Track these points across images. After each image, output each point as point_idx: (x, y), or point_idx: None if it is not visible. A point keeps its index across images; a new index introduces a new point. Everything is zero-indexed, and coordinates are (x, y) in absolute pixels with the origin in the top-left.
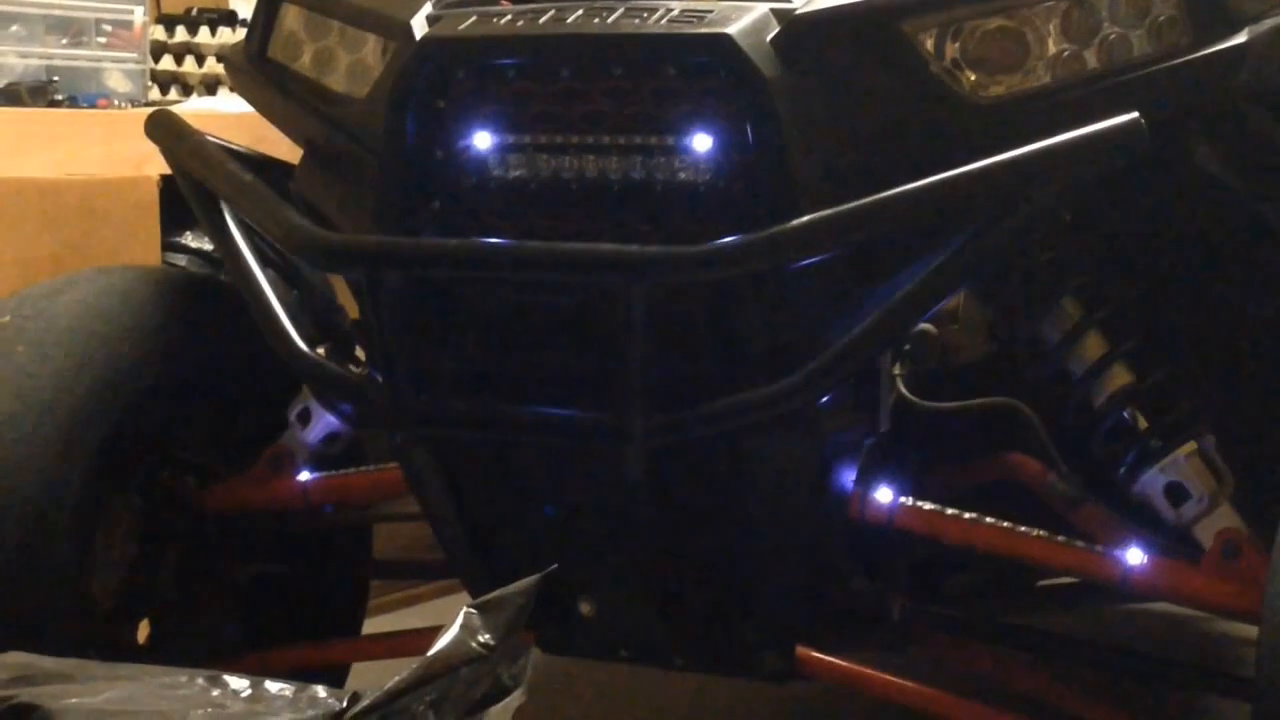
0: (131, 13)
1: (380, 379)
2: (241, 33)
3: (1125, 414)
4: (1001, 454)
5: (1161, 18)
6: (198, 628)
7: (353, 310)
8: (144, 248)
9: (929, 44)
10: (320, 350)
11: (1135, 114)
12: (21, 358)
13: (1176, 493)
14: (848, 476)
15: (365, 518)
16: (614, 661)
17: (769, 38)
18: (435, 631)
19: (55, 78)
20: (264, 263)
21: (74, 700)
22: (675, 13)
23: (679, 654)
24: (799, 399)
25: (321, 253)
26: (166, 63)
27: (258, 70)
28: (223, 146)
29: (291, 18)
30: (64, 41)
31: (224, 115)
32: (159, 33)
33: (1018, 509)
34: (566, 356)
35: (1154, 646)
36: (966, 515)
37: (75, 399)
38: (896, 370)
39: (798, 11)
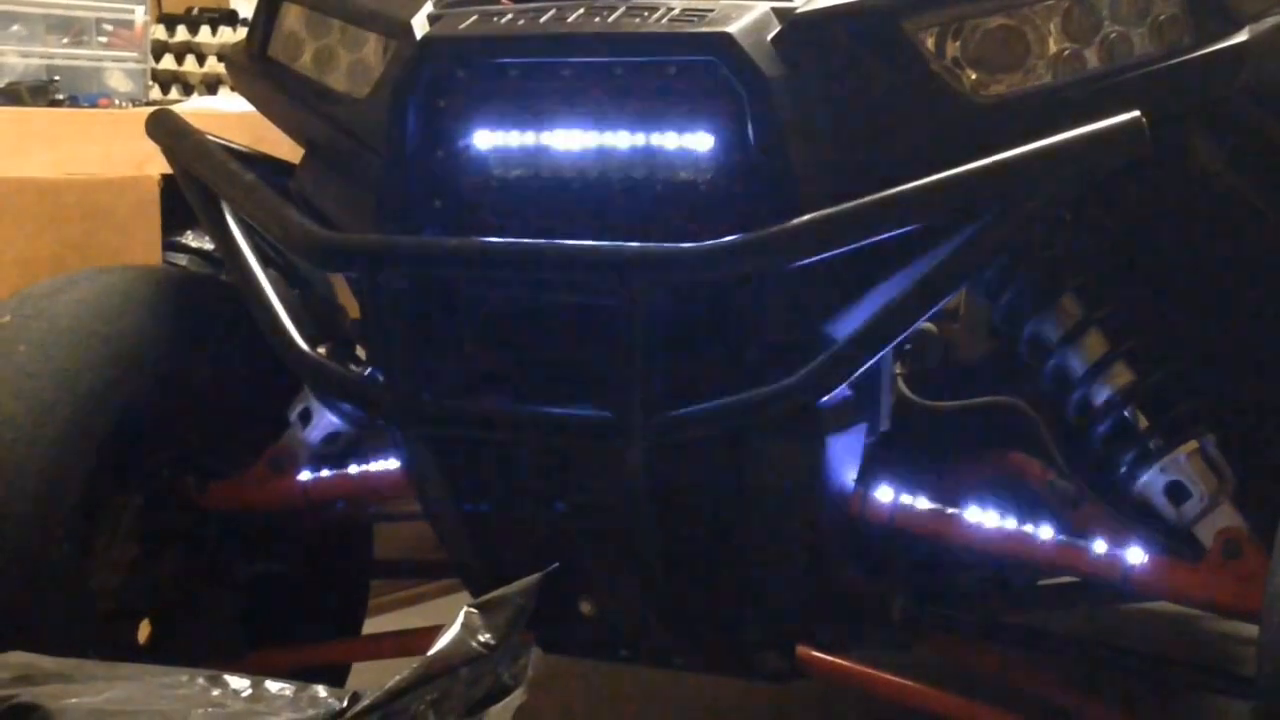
0: (132, 12)
1: (381, 378)
2: (242, 32)
3: (1126, 413)
4: (1002, 453)
5: (1162, 17)
6: (198, 628)
7: (353, 310)
8: (145, 247)
9: (930, 43)
10: (321, 350)
11: (1136, 113)
12: (22, 357)
13: (1177, 492)
14: (848, 476)
15: (365, 518)
16: (614, 661)
17: (769, 37)
18: (436, 631)
19: (56, 77)
20: (265, 262)
21: (74, 700)
22: (676, 12)
23: (679, 654)
24: (799, 399)
25: (322, 252)
26: (167, 62)
27: (258, 69)
28: (223, 146)
29: (292, 17)
30: (65, 41)
31: (225, 114)
32: (160, 32)
33: (1018, 508)
34: (567, 355)
35: (1154, 646)
36: (966, 515)
37: (76, 399)
38: (897, 369)
39: (798, 11)
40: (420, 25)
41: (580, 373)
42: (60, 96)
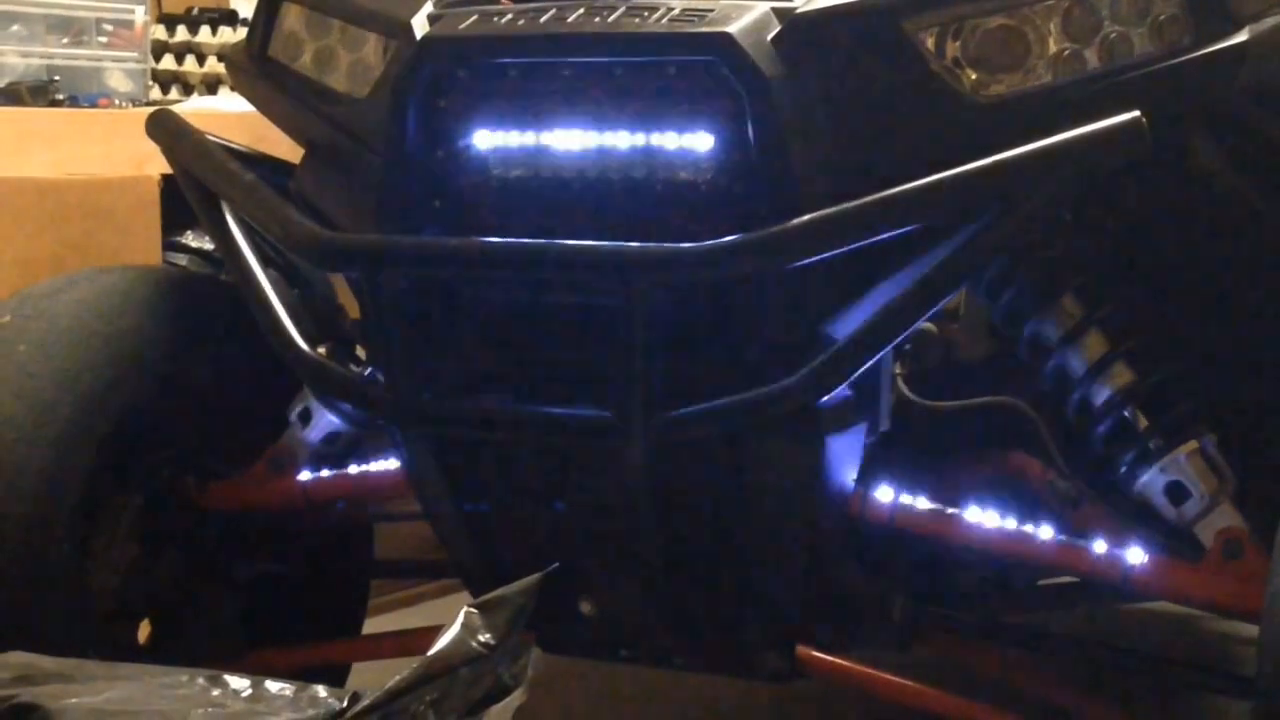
0: (132, 12)
1: (381, 378)
2: (242, 32)
3: (1126, 413)
4: (1002, 453)
5: (1162, 16)
6: (198, 628)
7: (353, 310)
8: (144, 247)
9: (930, 43)
10: (321, 350)
11: (1136, 113)
12: (22, 357)
13: (1177, 492)
14: (848, 476)
15: (365, 518)
16: (614, 661)
17: (769, 37)
18: (436, 631)
19: (56, 77)
20: (265, 262)
21: (74, 700)
22: (676, 12)
23: (679, 654)
24: (799, 399)
25: (322, 252)
26: (167, 62)
27: (258, 69)
28: (223, 146)
29: (292, 17)
30: (65, 41)
31: (225, 114)
32: (160, 32)
33: (1018, 508)
34: (567, 355)
35: (1154, 646)
36: (966, 515)
37: (76, 398)
38: (897, 369)
39: (798, 10)
40: (420, 25)
41: (580, 373)
42: (60, 96)
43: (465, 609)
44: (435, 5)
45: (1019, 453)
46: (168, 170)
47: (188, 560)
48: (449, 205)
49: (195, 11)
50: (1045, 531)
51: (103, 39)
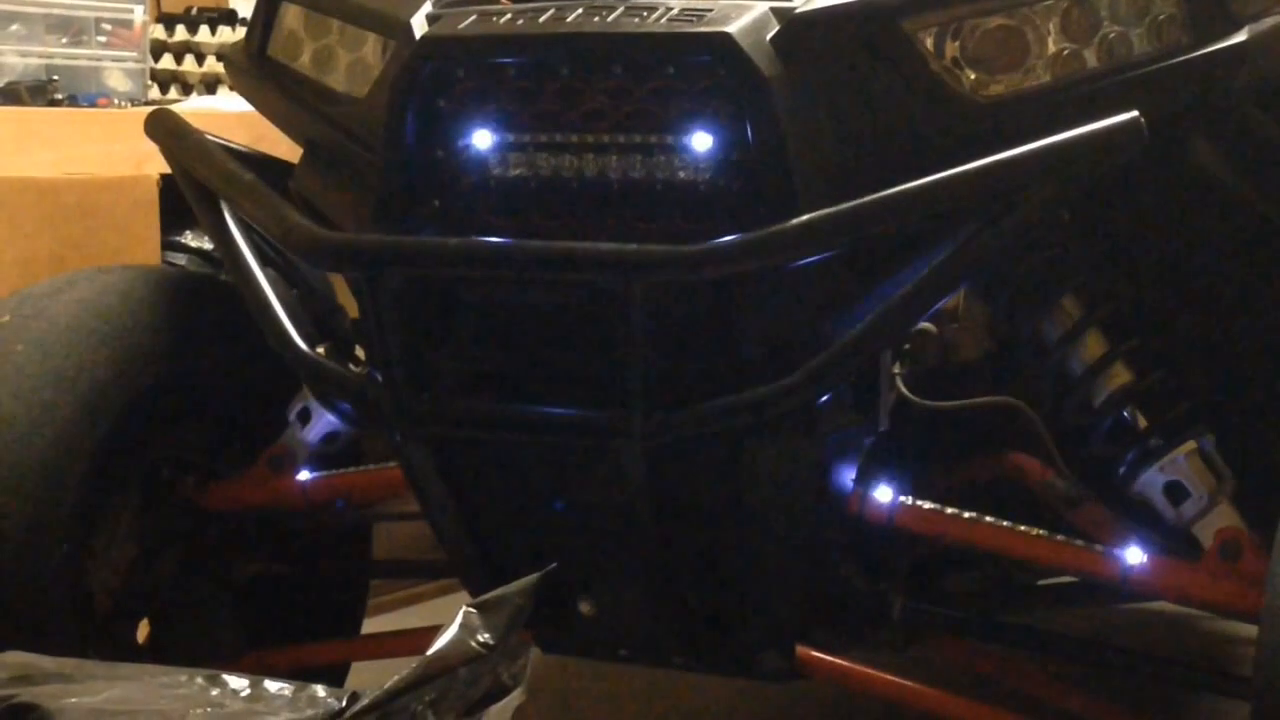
0: (131, 12)
1: (380, 378)
2: (241, 31)
3: (1125, 413)
4: (1001, 453)
5: (1161, 16)
6: (197, 627)
7: (353, 310)
8: (144, 247)
9: (929, 43)
10: (320, 350)
11: (1135, 113)
12: (21, 357)
13: (1176, 492)
14: (847, 476)
15: (365, 517)
16: (614, 661)
17: (769, 36)
18: (434, 631)
19: (55, 77)
20: (264, 262)
21: (73, 700)
22: (675, 12)
23: (679, 654)
24: (798, 398)
25: (321, 252)
26: (166, 62)
27: (257, 69)
28: (222, 145)
29: (291, 17)
30: (64, 40)
31: (224, 114)
32: (159, 32)
33: (1018, 508)
34: (566, 356)
35: (1154, 646)
36: (966, 515)
37: (75, 398)
38: (896, 369)
39: (797, 10)
40: (419, 25)
41: (579, 373)
42: (59, 96)
43: (464, 609)
44: (434, 5)
45: (1018, 453)
46: (167, 170)
47: (187, 560)
48: (448, 205)
49: (194, 11)
50: (1044, 531)
51: (102, 38)
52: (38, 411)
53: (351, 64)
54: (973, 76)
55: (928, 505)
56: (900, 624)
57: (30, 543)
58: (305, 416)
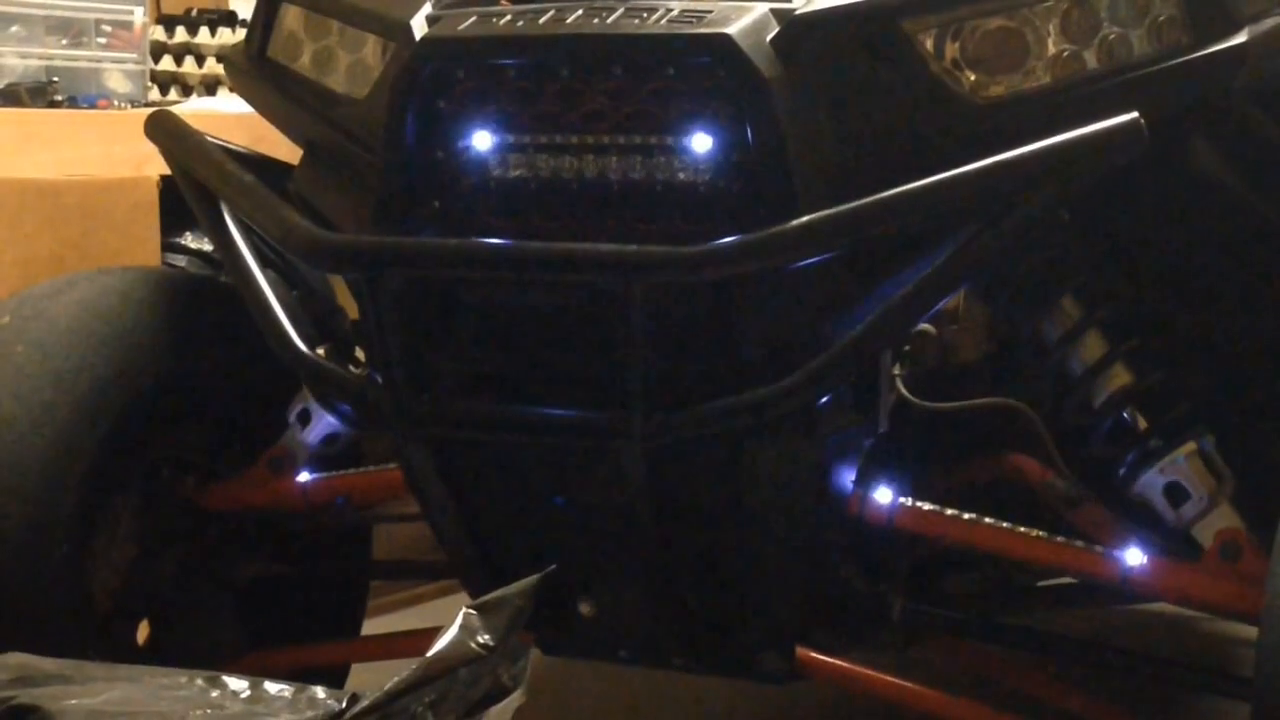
0: (131, 13)
1: (380, 379)
2: (241, 33)
3: (1125, 414)
4: (1001, 454)
5: (1161, 17)
6: (197, 628)
7: (352, 311)
8: (144, 248)
9: (929, 44)
10: (320, 351)
11: (1135, 114)
12: (21, 358)
13: (1176, 493)
14: (847, 477)
15: (365, 518)
16: (614, 662)
17: (769, 38)
18: (434, 632)
19: (55, 78)
20: (263, 263)
21: (73, 701)
22: (675, 13)
23: (678, 654)
24: (798, 399)
25: (321, 253)
26: (166, 63)
27: (257, 70)
28: (222, 147)
29: (291, 18)
30: (64, 42)
31: (224, 115)
32: (159, 33)
33: (1017, 509)
34: (566, 356)
35: (1154, 646)
36: (966, 515)
37: (75, 399)
38: (896, 370)
39: (797, 11)
40: (419, 26)
41: (579, 374)
42: (59, 97)
43: (464, 610)
44: (434, 6)
45: (1018, 454)
46: (167, 171)
47: (187, 561)
48: (448, 206)
49: (194, 13)
50: (1044, 533)
51: (102, 40)
52: (38, 412)
53: (351, 65)
54: (973, 77)
55: (927, 506)
56: (900, 625)
57: (30, 543)
58: (305, 418)
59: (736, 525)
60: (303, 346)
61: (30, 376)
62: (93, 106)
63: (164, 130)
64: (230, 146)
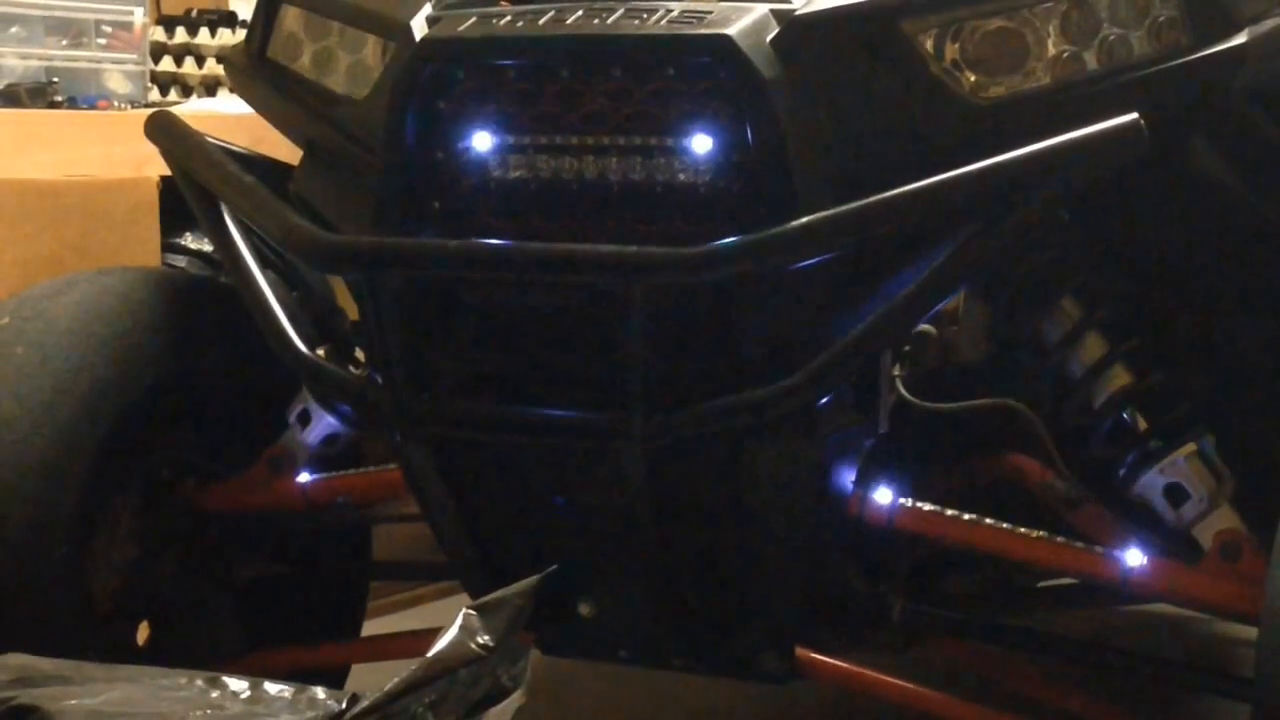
0: (131, 14)
1: (380, 380)
2: (241, 34)
3: (1125, 415)
4: (1001, 454)
5: (1161, 18)
6: (197, 629)
7: (352, 311)
8: (144, 249)
9: (929, 44)
10: (320, 351)
11: (1135, 115)
12: (21, 359)
13: (1176, 494)
14: (847, 477)
15: (365, 518)
16: (614, 663)
17: (769, 38)
18: (434, 633)
19: (55, 79)
20: (263, 264)
21: (73, 702)
22: (675, 13)
23: (678, 655)
24: (799, 399)
25: (321, 254)
26: (166, 64)
27: (257, 71)
28: (222, 148)
29: (291, 18)
30: (64, 43)
31: (224, 116)
32: (159, 34)
33: (1017, 510)
34: (566, 357)
35: (1154, 646)
36: (966, 516)
37: (75, 400)
38: (896, 371)
39: (797, 12)
40: (419, 27)
41: (579, 374)
42: (59, 98)
43: (464, 611)
44: (434, 7)
45: (1018, 454)
46: (167, 172)
47: (187, 562)
48: (448, 207)
49: (194, 13)
50: (1044, 533)
51: (102, 41)
52: (38, 413)
53: (351, 66)
54: (973, 78)
55: (927, 507)
56: (900, 625)
57: (30, 543)
58: (305, 418)
59: (736, 525)
60: (303, 347)
61: (30, 377)
62: (93, 107)
63: (164, 131)
64: (230, 147)
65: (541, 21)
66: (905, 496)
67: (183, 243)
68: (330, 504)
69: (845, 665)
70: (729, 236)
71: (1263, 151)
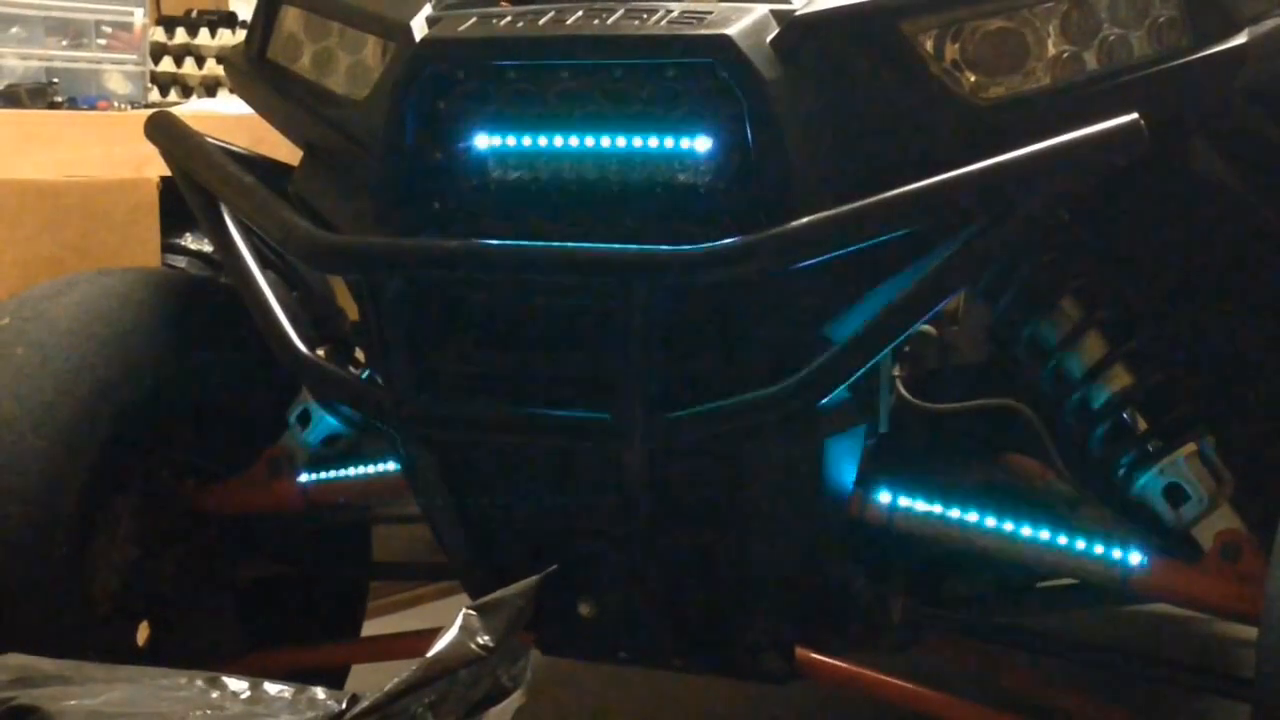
0: (131, 14)
1: (380, 380)
2: (241, 34)
3: (1124, 415)
4: (1001, 454)
5: (1161, 19)
6: (197, 629)
7: (352, 312)
8: (144, 249)
9: (929, 45)
10: (320, 352)
11: (1135, 115)
12: (21, 360)
13: (1176, 494)
14: (847, 478)
15: (365, 518)
16: (614, 662)
17: (769, 39)
18: (435, 633)
19: (55, 79)
20: (263, 264)
21: (73, 702)
22: (675, 14)
23: (678, 655)
24: (799, 400)
25: (321, 254)
26: (166, 64)
27: (257, 72)
28: (222, 148)
29: (291, 19)
30: (64, 43)
31: (223, 117)
32: (159, 34)
33: (1018, 509)
34: (566, 357)
35: (1154, 646)
36: (966, 516)
37: (75, 401)
38: (896, 371)
39: (797, 13)
40: (419, 27)
41: (579, 375)
42: (59, 99)
43: (464, 611)
44: (434, 7)
45: (1018, 455)
46: (167, 172)
47: (187, 562)
48: (448, 207)
49: (194, 14)
50: (1044, 534)
51: (102, 41)
52: (38, 413)
53: (351, 66)
54: (972, 79)
55: (927, 507)
56: (900, 626)
57: (30, 544)
58: (305, 419)
59: (736, 525)
60: (303, 347)
61: (30, 377)
62: (92, 108)
63: (164, 131)
64: (230, 148)
65: (541, 22)
66: (905, 497)
67: (183, 243)
68: (330, 504)
69: (845, 665)
70: (729, 236)
71: (1263, 151)
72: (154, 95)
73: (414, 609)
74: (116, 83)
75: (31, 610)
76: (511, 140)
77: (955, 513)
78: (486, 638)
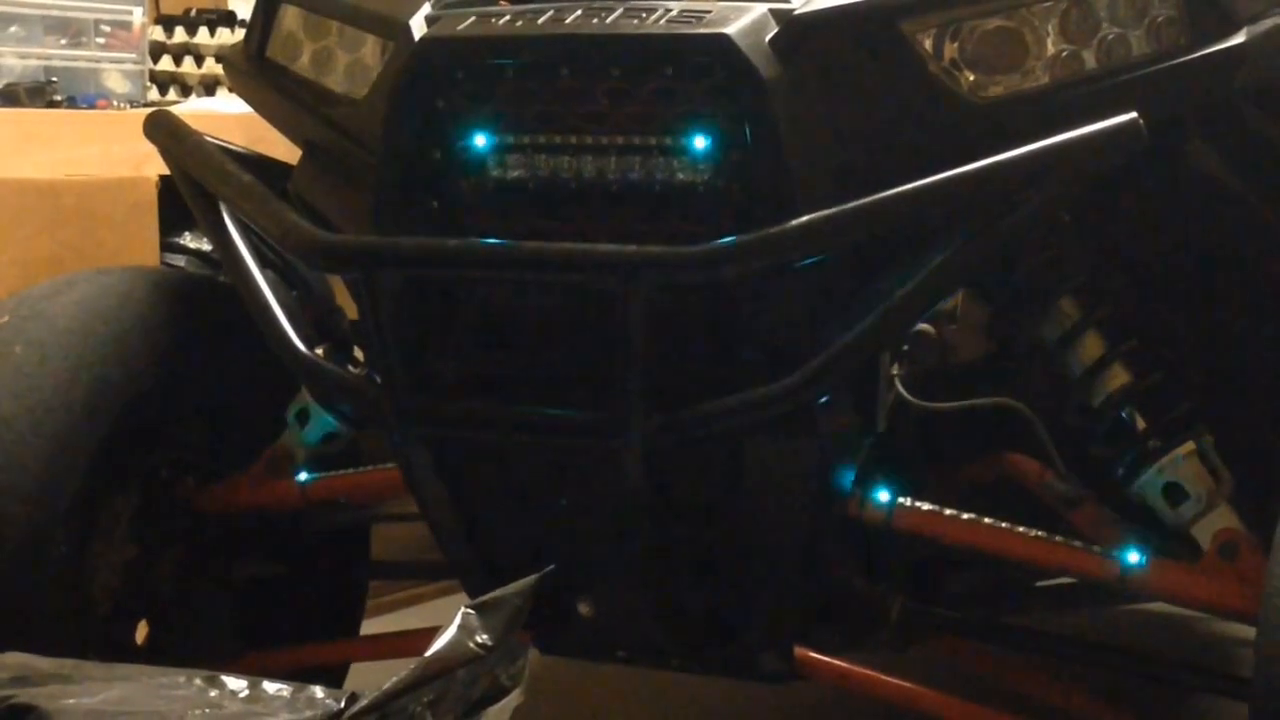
0: (130, 13)
1: (379, 379)
2: (240, 33)
3: (1124, 414)
4: (1000, 454)
5: (1160, 18)
6: (196, 628)
7: (351, 311)
8: (143, 248)
9: (927, 44)
10: (319, 351)
11: (1134, 114)
12: (20, 358)
13: (1175, 493)
14: (846, 477)
15: (364, 518)
16: (613, 662)
17: (768, 38)
18: (433, 632)
19: (54, 78)
20: (262, 263)
21: (71, 701)
22: (674, 13)
23: (677, 654)
24: (798, 399)
25: (320, 253)
26: (165, 63)
27: (256, 71)
28: (221, 147)
29: (290, 18)
30: (63, 42)
31: (223, 116)
32: (158, 33)
33: (1017, 509)
34: (565, 356)
35: (1154, 646)
36: (965, 515)
37: (74, 400)
38: (895, 370)
39: (796, 12)
40: (418, 26)
41: (578, 374)
42: (58, 97)
43: (463, 610)
44: (433, 6)
45: (1017, 454)
46: (166, 171)
47: (186, 561)
48: (447, 206)
49: (193, 13)
50: (1043, 533)
51: (100, 40)
52: (37, 412)
53: (350, 65)
54: (971, 78)
55: (926, 506)
56: (899, 625)
57: (29, 544)
58: (304, 417)
59: (736, 525)
60: (302, 346)
61: (29, 377)
62: (92, 107)
63: (163, 130)
64: (229, 147)
65: (540, 21)
66: (904, 496)
67: (182, 242)
68: (329, 503)
69: (845, 665)
70: (728, 236)
71: (1262, 151)
72: (153, 94)
73: (413, 608)
74: (115, 82)
75: (30, 609)
76: (510, 139)
77: (954, 512)
78: (485, 637)
